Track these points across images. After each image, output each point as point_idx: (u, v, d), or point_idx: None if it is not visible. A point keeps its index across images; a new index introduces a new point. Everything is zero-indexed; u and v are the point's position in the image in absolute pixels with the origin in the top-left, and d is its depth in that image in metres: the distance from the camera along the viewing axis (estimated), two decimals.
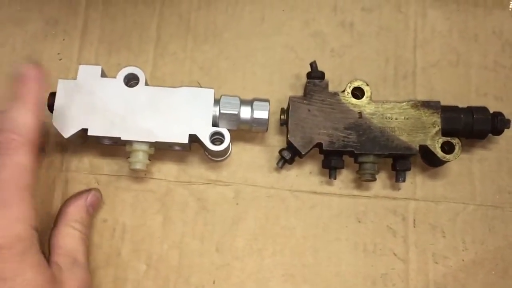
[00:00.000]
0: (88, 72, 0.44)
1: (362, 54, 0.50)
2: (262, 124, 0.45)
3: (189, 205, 0.46)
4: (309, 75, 0.46)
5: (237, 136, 0.47)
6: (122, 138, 0.43)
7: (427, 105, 0.45)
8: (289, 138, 0.45)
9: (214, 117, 0.44)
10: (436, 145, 0.44)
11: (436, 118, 0.45)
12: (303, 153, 0.45)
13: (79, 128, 0.42)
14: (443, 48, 0.51)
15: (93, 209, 0.44)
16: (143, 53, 0.49)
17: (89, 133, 0.42)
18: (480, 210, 0.47)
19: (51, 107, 0.43)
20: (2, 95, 0.41)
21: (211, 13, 0.50)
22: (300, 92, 0.48)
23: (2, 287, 0.33)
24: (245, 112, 0.44)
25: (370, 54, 0.50)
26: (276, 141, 0.48)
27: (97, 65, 0.44)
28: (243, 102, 0.45)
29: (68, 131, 0.42)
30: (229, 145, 0.45)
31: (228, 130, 0.44)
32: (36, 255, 0.35)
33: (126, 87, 0.44)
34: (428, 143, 0.44)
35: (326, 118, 0.45)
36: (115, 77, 0.44)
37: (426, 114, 0.45)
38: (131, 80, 0.44)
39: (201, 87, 0.48)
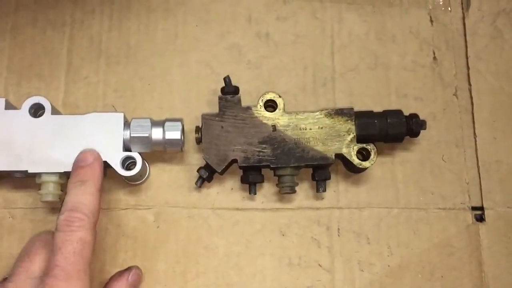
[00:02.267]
0: None
1: (280, 64, 0.50)
2: (175, 145, 0.44)
3: (109, 232, 0.45)
4: (222, 91, 0.46)
5: (155, 157, 0.46)
6: (29, 171, 0.42)
7: (340, 112, 0.45)
8: (203, 157, 0.44)
9: (126, 141, 0.43)
10: (352, 152, 0.44)
11: (351, 125, 0.44)
12: (218, 171, 0.44)
13: None
14: (361, 52, 0.50)
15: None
16: (54, 79, 0.48)
17: None
18: (404, 213, 0.46)
19: None
20: None
21: (123, 34, 0.49)
22: (218, 108, 0.48)
23: None
24: (157, 134, 0.43)
25: (287, 63, 0.50)
26: (195, 160, 0.47)
27: (0, 98, 0.43)
28: (155, 124, 0.44)
29: None
30: (143, 168, 0.44)
31: (142, 153, 0.44)
32: None
33: (31, 117, 0.43)
34: (344, 151, 0.44)
35: (240, 134, 0.44)
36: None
37: (340, 122, 0.44)
38: (39, 110, 0.43)
39: (115, 111, 0.48)
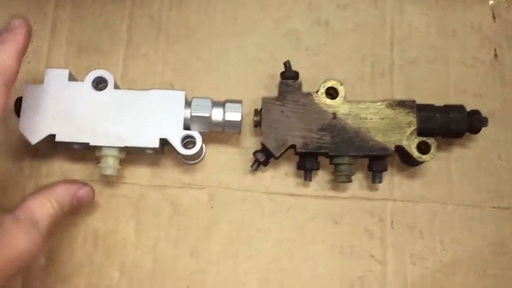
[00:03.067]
0: (55, 76, 0.43)
1: (338, 52, 0.49)
2: (234, 126, 0.44)
3: (163, 210, 0.45)
4: (282, 75, 0.45)
5: (211, 137, 0.46)
6: (90, 144, 0.42)
7: (402, 104, 0.44)
8: (261, 141, 0.44)
9: (185, 120, 0.43)
10: (412, 145, 0.43)
11: (412, 118, 0.44)
12: (276, 155, 0.44)
13: (47, 134, 0.41)
14: (421, 45, 0.50)
15: (79, 205, 0.41)
16: (113, 54, 0.48)
17: (56, 139, 0.41)
18: (459, 210, 0.46)
19: (18, 112, 0.42)
20: None
21: (182, 13, 0.49)
22: (274, 93, 0.47)
23: None
24: (217, 114, 0.43)
25: (346, 52, 0.49)
26: (251, 143, 0.47)
27: (65, 69, 0.43)
28: (215, 104, 0.44)
29: (35, 137, 0.41)
30: (201, 148, 0.44)
31: (200, 132, 0.43)
32: None
33: (94, 90, 0.43)
34: (404, 143, 0.43)
35: (300, 120, 0.44)
36: (83, 81, 0.43)
37: (402, 114, 0.44)
38: (100, 83, 0.43)
39: (173, 89, 0.47)
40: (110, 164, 0.42)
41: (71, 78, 0.43)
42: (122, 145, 0.42)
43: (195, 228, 0.45)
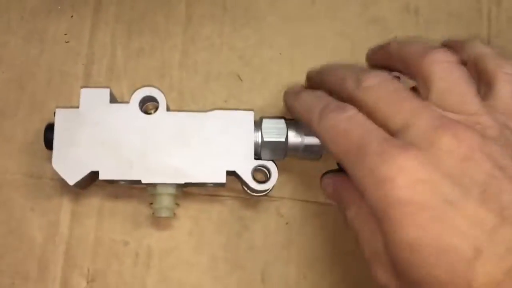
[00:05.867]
0: (94, 98, 0.34)
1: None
2: (315, 152, 0.36)
3: (228, 224, 0.38)
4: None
5: None
6: (143, 182, 0.34)
7: None
8: None
9: (255, 146, 0.35)
10: None
11: None
12: None
13: (88, 172, 0.33)
14: None
15: None
16: (170, 36, 0.40)
17: (100, 177, 0.34)
18: None
19: (49, 143, 0.34)
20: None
21: None
22: None
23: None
24: (294, 138, 0.35)
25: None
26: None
27: (104, 88, 0.35)
28: (290, 125, 0.35)
29: (73, 177, 0.33)
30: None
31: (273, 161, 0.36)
32: None
33: (142, 114, 0.35)
34: None
35: None
36: (127, 101, 0.35)
37: None
38: (146, 102, 0.36)
39: (241, 80, 0.40)
40: (165, 204, 0.35)
41: (113, 99, 0.35)
42: (182, 181, 0.34)
43: (268, 247, 0.38)
